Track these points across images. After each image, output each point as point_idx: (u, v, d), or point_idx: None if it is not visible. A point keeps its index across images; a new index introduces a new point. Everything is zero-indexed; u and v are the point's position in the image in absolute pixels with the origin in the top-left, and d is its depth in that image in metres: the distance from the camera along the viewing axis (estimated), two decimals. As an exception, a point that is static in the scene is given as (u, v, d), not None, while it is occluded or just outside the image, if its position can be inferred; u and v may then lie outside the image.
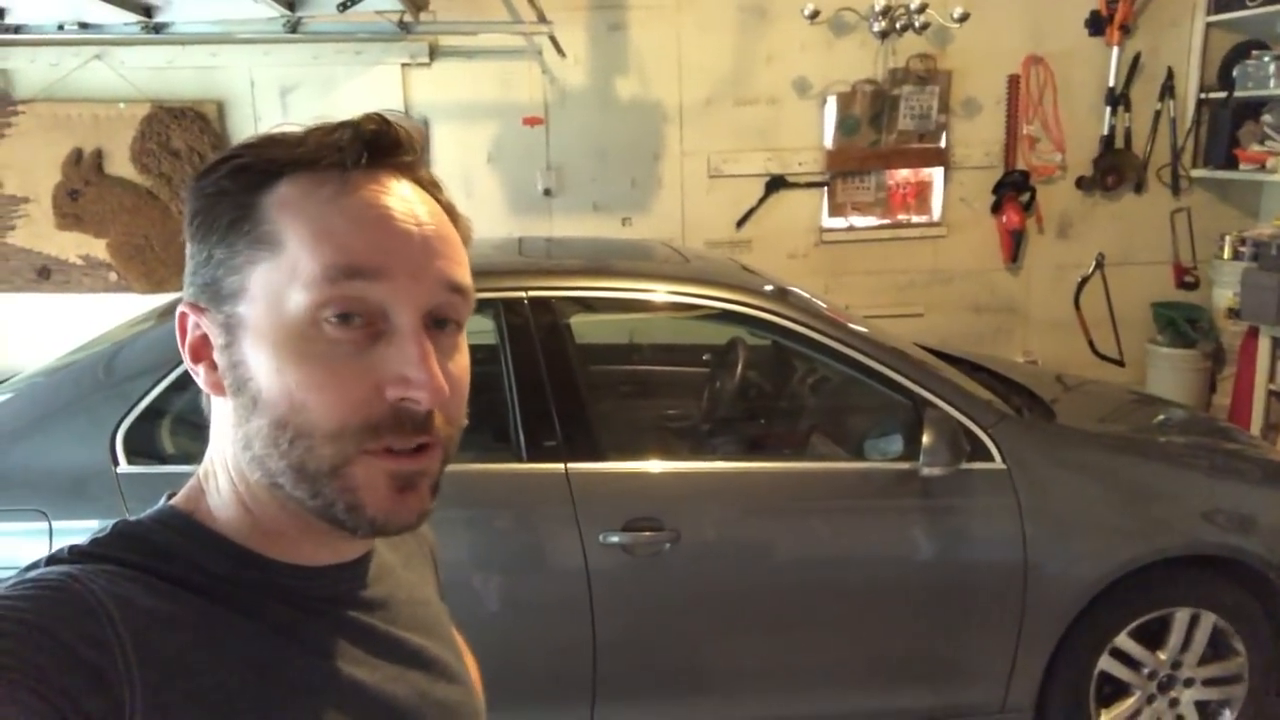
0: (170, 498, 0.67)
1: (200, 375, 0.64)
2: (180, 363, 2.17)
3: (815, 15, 4.12)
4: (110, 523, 0.62)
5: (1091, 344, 4.76)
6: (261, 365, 0.60)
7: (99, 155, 4.15)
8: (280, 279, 0.59)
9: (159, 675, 0.54)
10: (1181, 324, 4.63)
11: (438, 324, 0.63)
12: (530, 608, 2.18)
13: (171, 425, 2.26)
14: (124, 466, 2.15)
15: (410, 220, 0.61)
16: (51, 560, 0.59)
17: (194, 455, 2.32)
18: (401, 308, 0.60)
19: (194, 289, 0.63)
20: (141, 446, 2.18)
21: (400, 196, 0.62)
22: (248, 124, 4.26)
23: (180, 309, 0.64)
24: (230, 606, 0.61)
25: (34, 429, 2.24)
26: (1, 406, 2.36)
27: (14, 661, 0.50)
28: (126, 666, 0.53)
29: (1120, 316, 4.75)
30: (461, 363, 0.65)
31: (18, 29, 3.78)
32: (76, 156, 4.14)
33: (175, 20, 3.83)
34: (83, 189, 4.17)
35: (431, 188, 0.66)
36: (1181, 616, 2.38)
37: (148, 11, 3.75)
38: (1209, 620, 2.38)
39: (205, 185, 0.62)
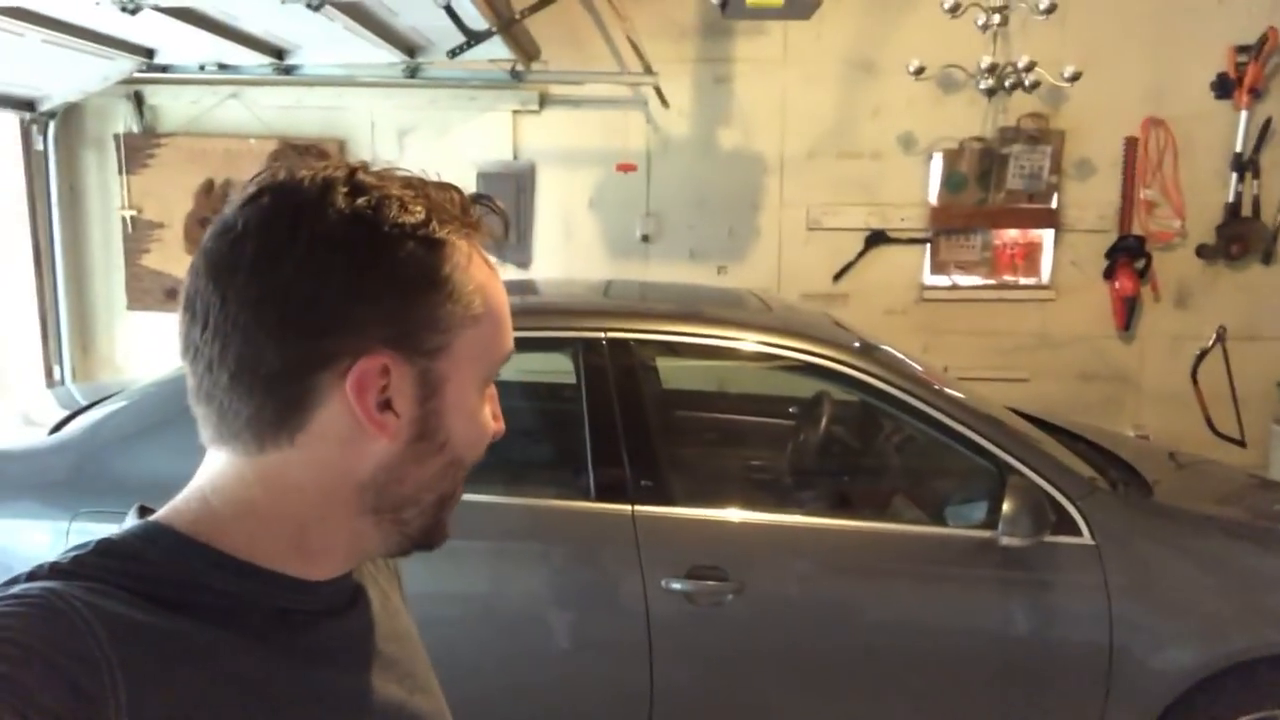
0: (142, 513, 0.66)
1: (383, 423, 0.64)
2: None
3: (920, 71, 4.08)
4: (91, 540, 0.61)
5: (1209, 421, 4.49)
6: (459, 418, 0.68)
7: (228, 186, 4.42)
8: (482, 348, 0.68)
9: (145, 691, 0.54)
10: (1311, 405, 4.32)
11: None
12: (589, 647, 2.17)
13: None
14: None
15: None
16: (32, 576, 0.58)
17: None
18: None
19: (372, 337, 0.63)
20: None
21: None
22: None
23: (358, 361, 0.62)
24: (218, 621, 0.61)
25: (142, 436, 2.37)
26: (115, 413, 2.51)
27: None
28: (112, 683, 0.53)
29: (1242, 394, 4.46)
30: None
31: (165, 68, 4.08)
32: (208, 187, 4.41)
33: (304, 63, 4.08)
34: (212, 217, 4.42)
35: None
36: (1288, 720, 2.19)
37: (280, 54, 4.00)
38: (1319, 726, 2.19)
39: (401, 234, 0.63)
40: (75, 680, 0.52)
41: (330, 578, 0.68)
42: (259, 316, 0.61)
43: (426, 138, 4.45)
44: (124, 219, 4.47)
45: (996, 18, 3.80)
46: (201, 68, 4.11)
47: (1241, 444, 4.44)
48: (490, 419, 0.71)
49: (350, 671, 0.68)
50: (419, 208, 0.64)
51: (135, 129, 4.43)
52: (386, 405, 0.63)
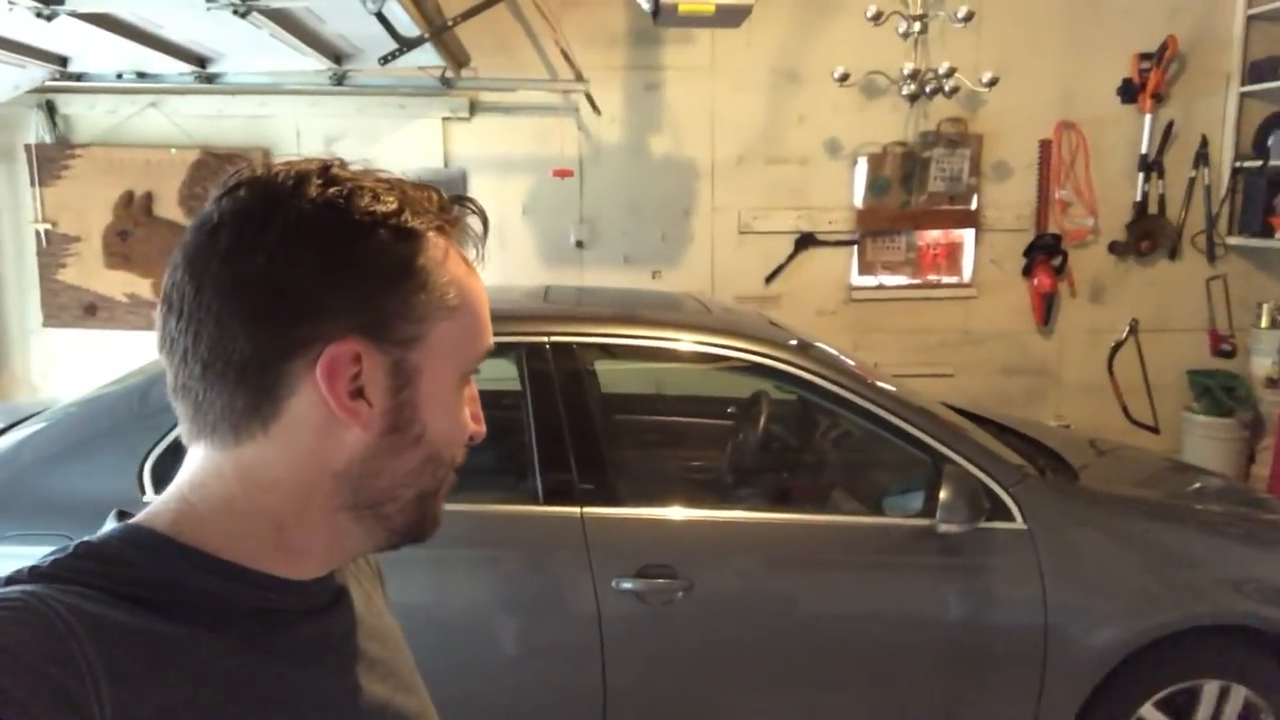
0: (121, 516, 0.65)
1: (353, 408, 0.63)
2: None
3: (845, 78, 4.18)
4: (71, 543, 0.61)
5: (1125, 410, 4.69)
6: (434, 410, 0.67)
7: (149, 198, 4.29)
8: (457, 342, 0.68)
9: (128, 693, 0.54)
10: (1218, 392, 4.55)
11: None
12: (541, 651, 2.17)
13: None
14: (150, 495, 2.19)
15: None
16: (10, 581, 0.57)
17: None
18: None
19: (344, 325, 0.63)
20: (169, 477, 2.22)
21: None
22: (292, 172, 4.38)
23: (329, 347, 0.62)
24: (200, 622, 0.60)
25: (64, 457, 2.30)
26: (35, 435, 2.42)
27: None
28: (95, 685, 0.52)
29: (1155, 383, 4.69)
30: None
31: (79, 77, 3.94)
32: (128, 199, 4.28)
33: (227, 71, 3.98)
34: (132, 230, 4.30)
35: None
36: (1210, 689, 2.31)
37: (201, 62, 3.91)
38: (1240, 694, 2.31)
39: (328, 220, 0.63)
40: (57, 683, 0.51)
41: (314, 577, 0.68)
42: (231, 304, 0.62)
43: (355, 146, 4.39)
44: (38, 233, 4.31)
45: (917, 26, 3.92)
46: (119, 76, 3.99)
47: (1156, 430, 4.66)
48: (469, 418, 0.71)
49: (334, 671, 0.68)
50: (392, 199, 0.65)
51: (48, 139, 4.28)
52: (359, 393, 0.63)
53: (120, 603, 0.57)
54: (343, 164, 0.67)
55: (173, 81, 4.04)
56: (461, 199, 0.71)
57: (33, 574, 0.58)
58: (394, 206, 0.65)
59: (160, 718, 0.55)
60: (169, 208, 4.31)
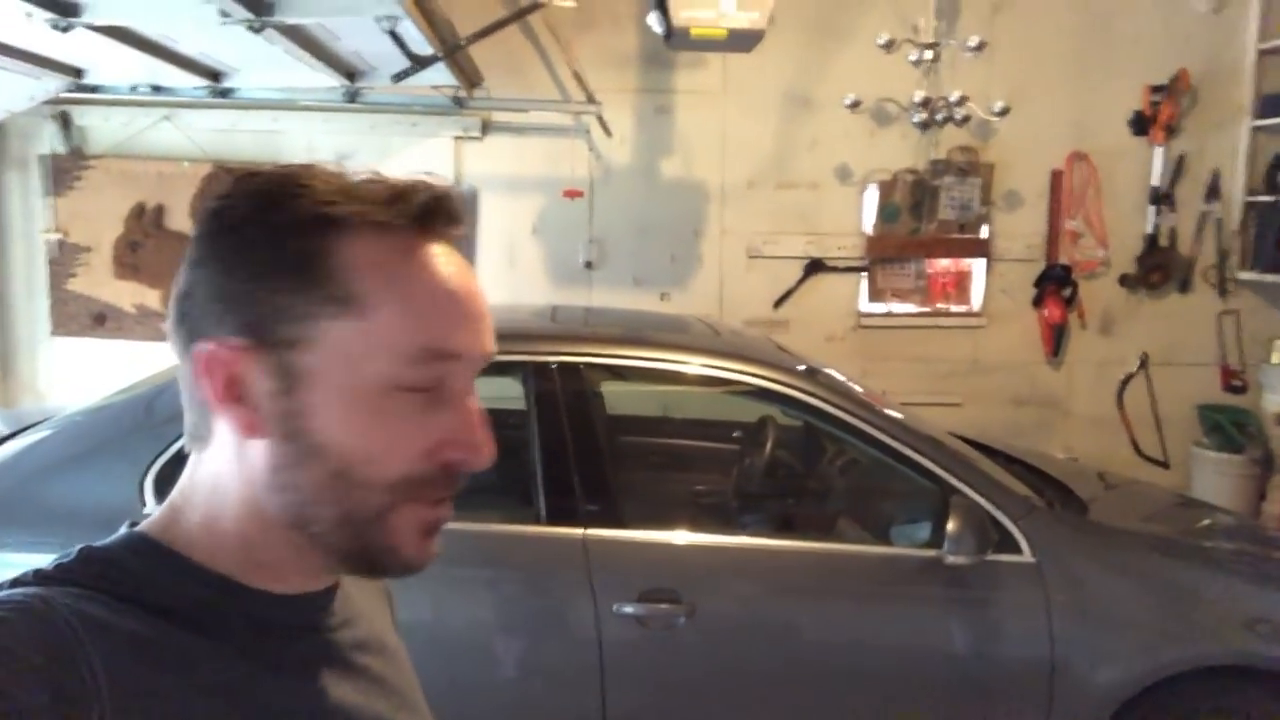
0: (132, 525, 0.66)
1: (233, 414, 0.61)
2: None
3: (856, 105, 4.19)
4: (75, 548, 0.61)
5: (1135, 443, 4.65)
6: (332, 419, 0.60)
7: (161, 210, 4.31)
8: (364, 343, 0.60)
9: (129, 698, 0.54)
10: (1229, 428, 4.51)
11: None
12: (540, 673, 2.14)
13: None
14: (152, 506, 2.17)
15: (477, 300, 0.64)
16: (16, 583, 0.58)
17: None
18: (462, 381, 0.63)
19: (235, 325, 0.60)
20: (171, 488, 2.21)
21: (465, 272, 0.64)
22: (303, 187, 4.39)
23: (207, 346, 0.60)
24: (199, 631, 0.60)
25: (68, 466, 2.29)
26: (39, 443, 2.41)
27: None
28: (96, 689, 0.52)
29: (1165, 417, 4.65)
30: None
31: (95, 89, 3.97)
32: (139, 211, 4.29)
33: (241, 86, 4.01)
34: (143, 241, 4.32)
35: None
36: (1219, 729, 2.26)
37: (215, 76, 3.93)
38: (1248, 735, 2.27)
39: (246, 216, 0.61)
40: (59, 684, 0.51)
41: (300, 592, 0.66)
42: (173, 313, 0.64)
43: (366, 162, 4.33)
44: (49, 242, 4.32)
45: (929, 54, 3.93)
46: (133, 89, 4.02)
47: (1165, 465, 4.62)
48: (431, 440, 0.61)
49: (333, 687, 0.66)
50: (321, 191, 0.60)
51: (62, 150, 4.30)
52: (239, 396, 0.61)
53: (123, 608, 0.57)
54: (333, 167, 0.64)
55: (186, 95, 4.07)
56: (430, 186, 0.63)
57: (38, 577, 0.58)
58: (314, 200, 0.60)
59: None
60: (180, 220, 4.32)
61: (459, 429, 0.62)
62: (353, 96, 3.99)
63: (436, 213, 0.62)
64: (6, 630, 0.52)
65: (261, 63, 3.58)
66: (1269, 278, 4.48)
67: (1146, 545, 2.50)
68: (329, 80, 3.71)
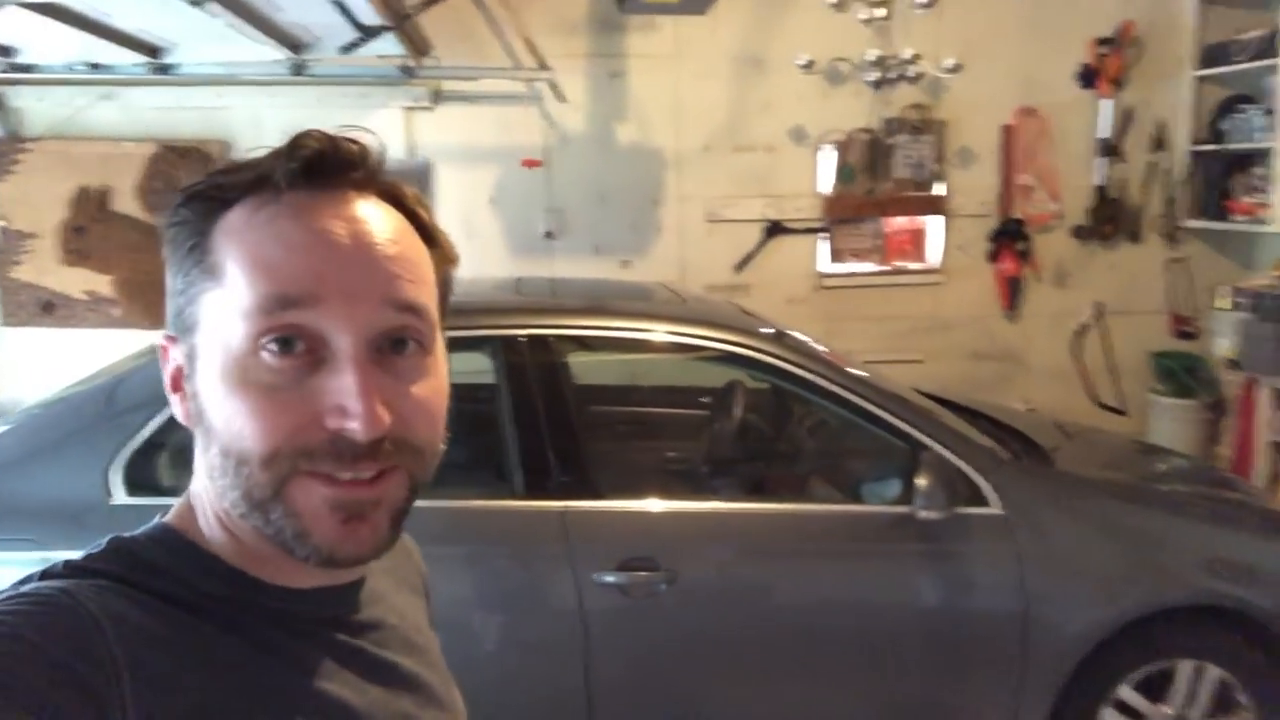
0: (163, 516, 0.66)
1: (176, 406, 0.64)
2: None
3: (809, 65, 4.18)
4: (105, 538, 0.62)
5: (1092, 393, 4.76)
6: (211, 395, 0.59)
7: (105, 193, 4.18)
8: (223, 309, 0.59)
9: (151, 693, 0.54)
10: (1181, 374, 4.63)
11: (395, 346, 0.61)
12: (524, 647, 2.15)
13: (171, 458, 2.25)
14: (120, 498, 2.14)
15: (347, 239, 0.59)
16: (45, 575, 0.59)
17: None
18: (339, 333, 0.58)
19: (169, 320, 0.64)
20: (139, 478, 2.18)
21: (342, 215, 0.60)
22: (251, 164, 4.29)
23: (160, 341, 0.65)
24: (222, 626, 0.60)
25: (31, 460, 2.24)
26: (2, 436, 2.35)
27: (5, 677, 0.49)
28: (119, 683, 0.53)
29: (1120, 366, 4.76)
30: (430, 385, 0.63)
31: (28, 68, 3.82)
32: (82, 194, 4.16)
33: (182, 62, 3.89)
34: (88, 226, 4.19)
35: (401, 203, 0.64)
36: (1185, 668, 2.34)
37: (155, 53, 3.81)
38: (1213, 673, 2.34)
39: (170, 215, 0.63)
40: (81, 678, 0.51)
41: (318, 586, 0.66)
42: None
43: (315, 138, 4.30)
44: (-10, 230, 4.18)
45: (880, 12, 3.92)
46: (69, 67, 3.87)
47: (1123, 413, 4.73)
48: (292, 406, 0.57)
49: (355, 682, 0.66)
50: (216, 175, 0.62)
51: (-3, 133, 4.15)
52: (183, 391, 0.63)
53: (149, 601, 0.58)
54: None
55: (125, 73, 3.94)
56: (311, 140, 0.60)
57: (68, 568, 0.59)
58: (210, 179, 0.62)
59: (181, 717, 0.55)
60: (126, 202, 4.20)
61: (336, 394, 0.58)
62: (299, 69, 3.89)
63: (313, 164, 0.60)
64: (31, 623, 0.52)
65: (203, 37, 3.48)
66: (1214, 225, 4.59)
67: (1108, 493, 2.56)
68: (273, 53, 3.62)
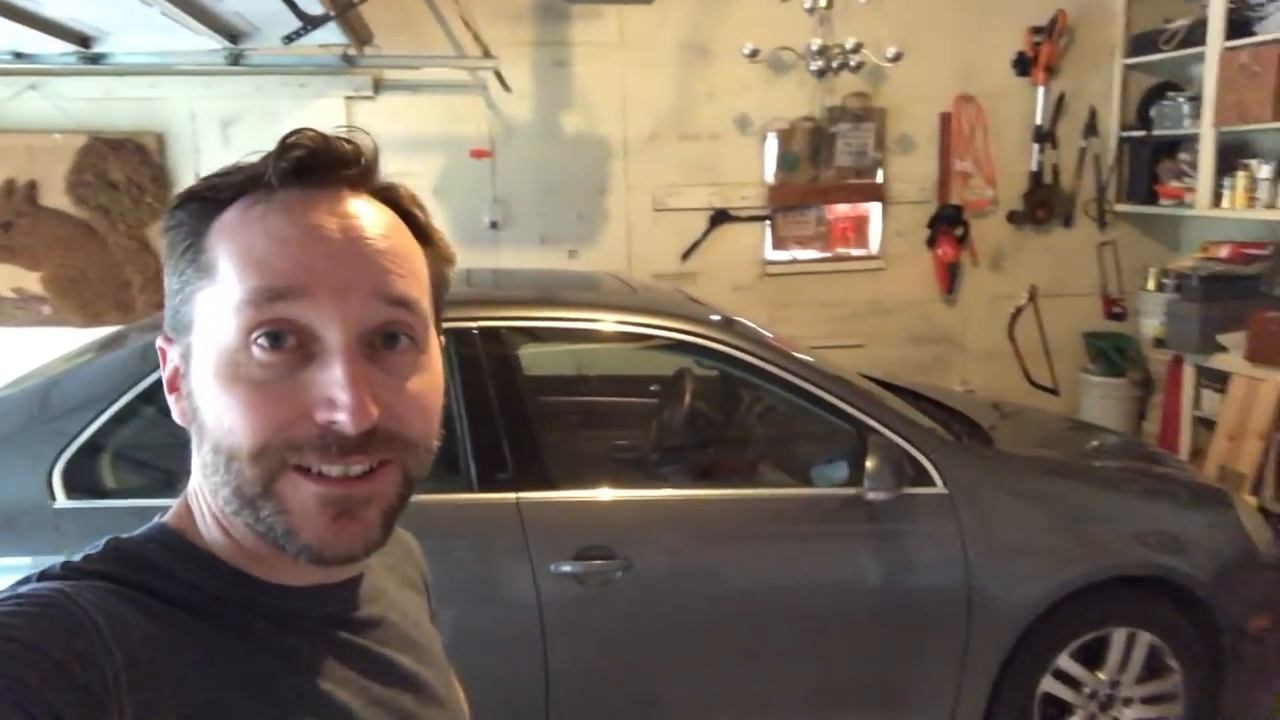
0: (162, 517, 0.67)
1: (173, 406, 0.64)
2: (119, 396, 2.16)
3: (755, 54, 4.22)
4: (104, 539, 0.62)
5: (1026, 373, 4.90)
6: (204, 392, 0.60)
7: (33, 187, 4.05)
8: (215, 306, 0.60)
9: (149, 693, 0.54)
10: (1111, 353, 4.80)
11: (387, 341, 0.61)
12: (481, 639, 2.16)
13: (112, 460, 2.21)
14: (61, 501, 2.09)
15: (337, 234, 0.60)
16: (44, 576, 0.59)
17: (135, 489, 2.28)
18: (329, 327, 0.59)
19: (166, 321, 0.64)
20: (80, 481, 2.13)
21: (333, 211, 0.60)
22: (188, 156, 4.20)
23: (158, 342, 0.65)
24: (221, 625, 0.61)
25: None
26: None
27: (3, 679, 0.49)
28: (117, 684, 0.53)
29: (1053, 346, 4.91)
30: (424, 381, 0.63)
31: (-52, 58, 3.69)
32: (8, 188, 4.03)
33: (114, 51, 3.78)
34: (15, 221, 4.06)
35: (396, 203, 0.65)
36: (1119, 636, 2.44)
37: (85, 42, 3.70)
38: (1145, 639, 2.45)
39: (167, 217, 0.64)
40: (80, 679, 0.52)
41: (315, 584, 0.66)
42: None
43: (253, 127, 4.23)
44: (-90, 226, 4.03)
45: (823, 1, 3.97)
46: (-7, 57, 3.74)
47: (1055, 392, 4.89)
48: (281, 400, 0.58)
49: (355, 681, 0.66)
50: (209, 178, 0.63)
51: (-85, 125, 3.99)
52: (177, 388, 0.64)
53: (147, 602, 0.58)
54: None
55: (53, 62, 3.81)
56: (304, 140, 0.61)
57: (66, 569, 0.59)
58: (203, 182, 0.63)
59: (180, 718, 0.55)
60: (55, 196, 4.08)
61: (325, 386, 0.58)
62: (236, 59, 3.81)
63: (304, 162, 0.60)
64: (29, 625, 0.52)
65: (137, 26, 3.39)
66: (1142, 209, 4.75)
67: (1045, 470, 2.65)
68: (209, 42, 3.53)
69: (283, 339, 0.58)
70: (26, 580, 0.58)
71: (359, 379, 0.58)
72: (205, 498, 0.64)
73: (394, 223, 0.64)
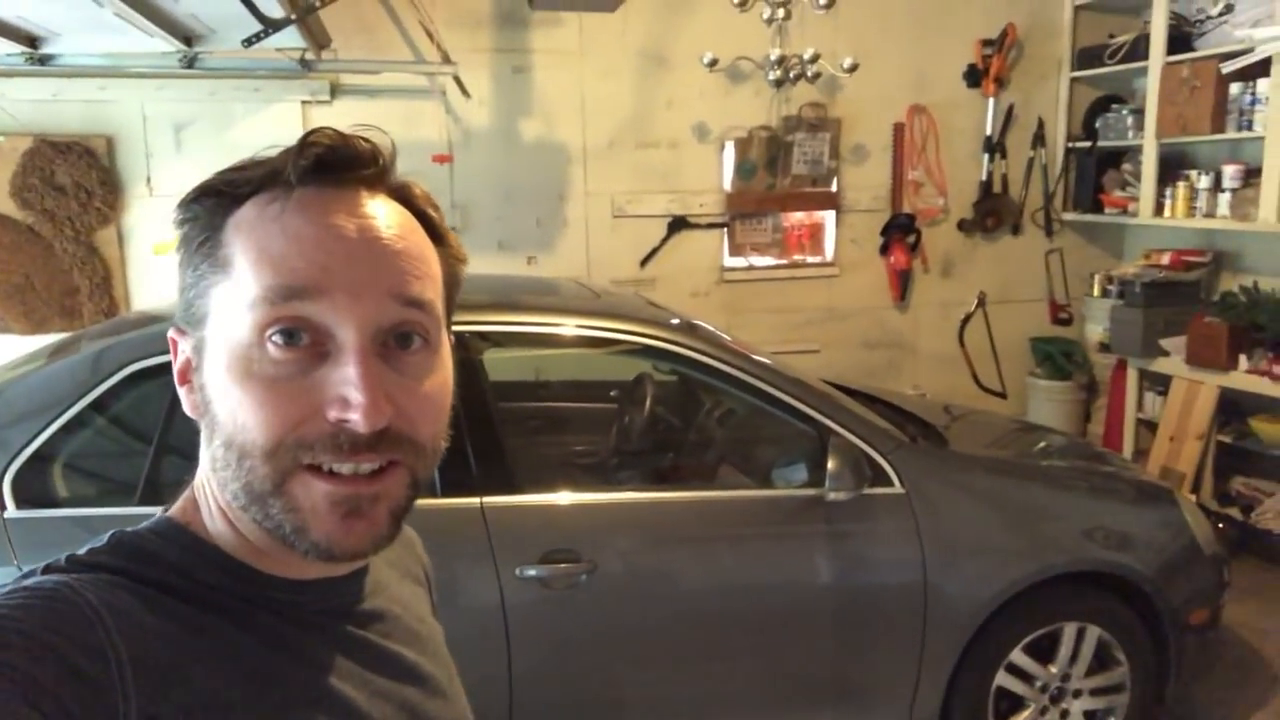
0: (167, 509, 0.67)
1: (184, 399, 0.64)
2: (71, 405, 2.12)
3: (714, 63, 4.27)
4: (108, 533, 0.62)
5: (975, 377, 5.01)
6: (217, 386, 0.60)
7: (-23, 190, 3.95)
8: (230, 301, 0.60)
9: (154, 685, 0.54)
10: (1058, 357, 4.92)
11: (401, 341, 0.61)
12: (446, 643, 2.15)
13: (63, 469, 2.16)
14: (11, 511, 2.05)
15: (354, 234, 0.60)
16: (48, 569, 0.59)
17: (86, 499, 2.24)
18: (344, 326, 0.59)
19: (178, 313, 0.64)
20: (30, 491, 2.09)
21: (351, 211, 0.61)
22: (139, 159, 4.13)
23: (169, 333, 0.66)
24: (225, 617, 0.61)
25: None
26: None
27: (8, 672, 0.49)
28: (121, 677, 0.53)
29: (1001, 351, 5.03)
30: (435, 382, 0.64)
31: (-113, 57, 3.59)
32: (-50, 191, 3.93)
33: (63, 52, 3.71)
34: (-42, 225, 3.96)
35: (411, 202, 0.66)
36: (1069, 631, 2.51)
37: (33, 42, 3.62)
38: (1094, 633, 2.52)
39: (182, 211, 0.63)
40: (84, 672, 0.52)
41: (319, 577, 0.66)
42: None
43: (206, 131, 4.18)
44: None
45: (781, 12, 4.03)
46: (-64, 57, 3.65)
47: (1003, 395, 5.00)
48: (295, 398, 0.58)
49: (359, 673, 0.67)
50: (226, 173, 0.63)
51: None
52: (190, 383, 0.64)
53: (152, 595, 0.58)
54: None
55: (-1, 63, 3.73)
56: (320, 139, 0.62)
57: (70, 562, 0.60)
58: (214, 182, 0.63)
59: (183, 712, 0.55)
60: (0, 200, 3.98)
61: (338, 384, 0.58)
62: (190, 62, 3.75)
63: (323, 160, 0.61)
64: (33, 617, 0.53)
65: (88, 26, 3.32)
66: (1088, 217, 4.89)
67: (998, 470, 2.72)
68: (163, 45, 3.48)
69: (297, 337, 0.59)
70: (30, 573, 0.58)
71: (373, 378, 0.59)
72: (213, 491, 0.64)
73: (410, 223, 0.65)
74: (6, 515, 2.05)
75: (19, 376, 2.34)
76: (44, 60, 3.70)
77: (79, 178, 4.02)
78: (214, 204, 0.62)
